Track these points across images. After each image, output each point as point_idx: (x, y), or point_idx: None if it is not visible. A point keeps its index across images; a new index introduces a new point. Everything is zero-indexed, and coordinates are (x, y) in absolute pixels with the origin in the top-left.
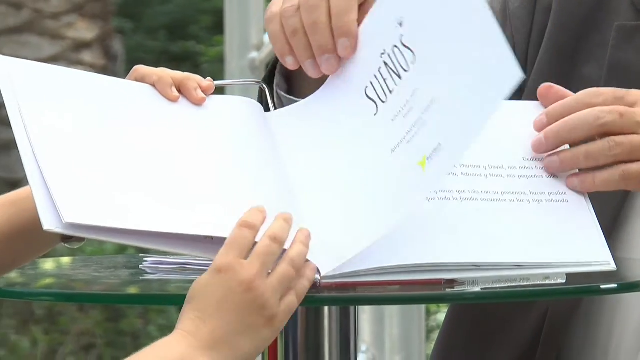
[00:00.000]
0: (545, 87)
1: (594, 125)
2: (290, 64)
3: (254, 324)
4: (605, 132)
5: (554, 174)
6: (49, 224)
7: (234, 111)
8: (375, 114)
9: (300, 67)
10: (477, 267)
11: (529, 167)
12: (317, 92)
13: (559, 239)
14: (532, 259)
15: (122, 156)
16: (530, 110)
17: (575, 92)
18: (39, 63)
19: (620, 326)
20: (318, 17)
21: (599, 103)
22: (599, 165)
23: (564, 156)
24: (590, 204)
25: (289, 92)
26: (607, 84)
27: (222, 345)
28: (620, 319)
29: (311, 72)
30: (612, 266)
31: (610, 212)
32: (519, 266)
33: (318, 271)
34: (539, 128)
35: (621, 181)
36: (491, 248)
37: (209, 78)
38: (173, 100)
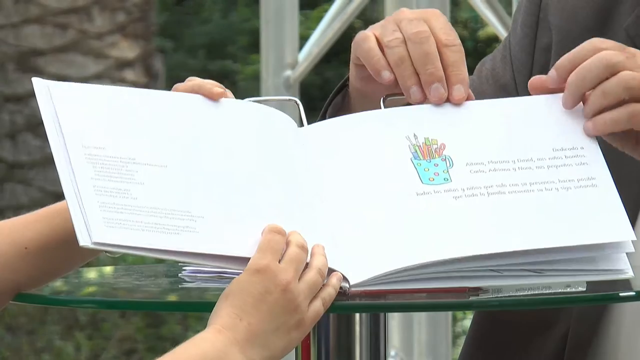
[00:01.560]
0: (534, 79)
1: (605, 66)
2: (386, 78)
3: (285, 324)
4: (617, 72)
5: (583, 162)
6: (85, 240)
7: (268, 126)
8: (411, 159)
9: None
10: (499, 273)
11: (558, 157)
12: (355, 114)
13: (586, 220)
14: (557, 243)
15: (155, 171)
16: (555, 102)
17: None
18: (77, 83)
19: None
20: (429, 48)
21: (604, 48)
22: (619, 99)
23: (587, 99)
24: (615, 188)
25: None
26: None
27: (256, 342)
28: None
29: (415, 98)
30: (630, 274)
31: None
32: (539, 274)
33: (346, 279)
34: (552, 83)
35: (628, 120)
36: (515, 236)
37: (248, 99)
38: (218, 97)
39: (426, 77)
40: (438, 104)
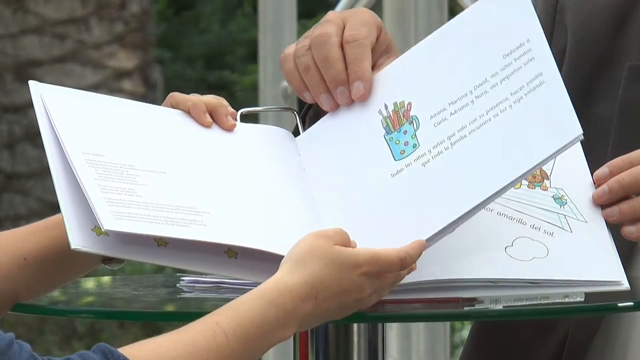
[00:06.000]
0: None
1: None
2: (308, 98)
3: (348, 310)
4: None
5: (531, 58)
6: (76, 243)
7: (263, 138)
8: (384, 135)
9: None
10: (493, 283)
11: (508, 63)
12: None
13: (541, 133)
14: (549, 277)
15: (156, 176)
16: (492, 6)
17: (589, 130)
18: (74, 89)
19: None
20: (328, 52)
21: None
22: None
23: (624, 208)
24: (607, 226)
25: None
26: (618, 123)
27: (314, 319)
28: (633, 346)
29: (326, 106)
30: (625, 286)
31: None
32: (535, 284)
33: None
34: (601, 178)
35: None
36: (510, 269)
37: (245, 109)
38: (207, 126)
39: (329, 82)
40: (348, 105)
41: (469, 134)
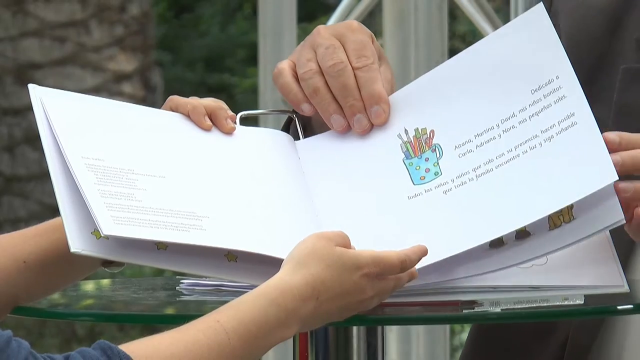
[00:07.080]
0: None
1: None
2: (306, 110)
3: (349, 312)
4: None
5: (561, 96)
6: (76, 246)
7: (263, 141)
8: (403, 160)
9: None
10: (494, 289)
11: (537, 99)
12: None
13: (571, 175)
14: (548, 211)
15: (155, 180)
16: (517, 38)
17: None
18: (73, 93)
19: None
20: (346, 80)
21: None
22: None
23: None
24: (595, 120)
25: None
26: (614, 125)
27: (316, 319)
28: (629, 347)
29: (337, 126)
30: (625, 288)
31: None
32: (535, 288)
33: None
34: (612, 145)
35: None
36: (509, 276)
37: (245, 112)
38: (207, 129)
39: (347, 109)
40: (362, 134)
41: (496, 167)
